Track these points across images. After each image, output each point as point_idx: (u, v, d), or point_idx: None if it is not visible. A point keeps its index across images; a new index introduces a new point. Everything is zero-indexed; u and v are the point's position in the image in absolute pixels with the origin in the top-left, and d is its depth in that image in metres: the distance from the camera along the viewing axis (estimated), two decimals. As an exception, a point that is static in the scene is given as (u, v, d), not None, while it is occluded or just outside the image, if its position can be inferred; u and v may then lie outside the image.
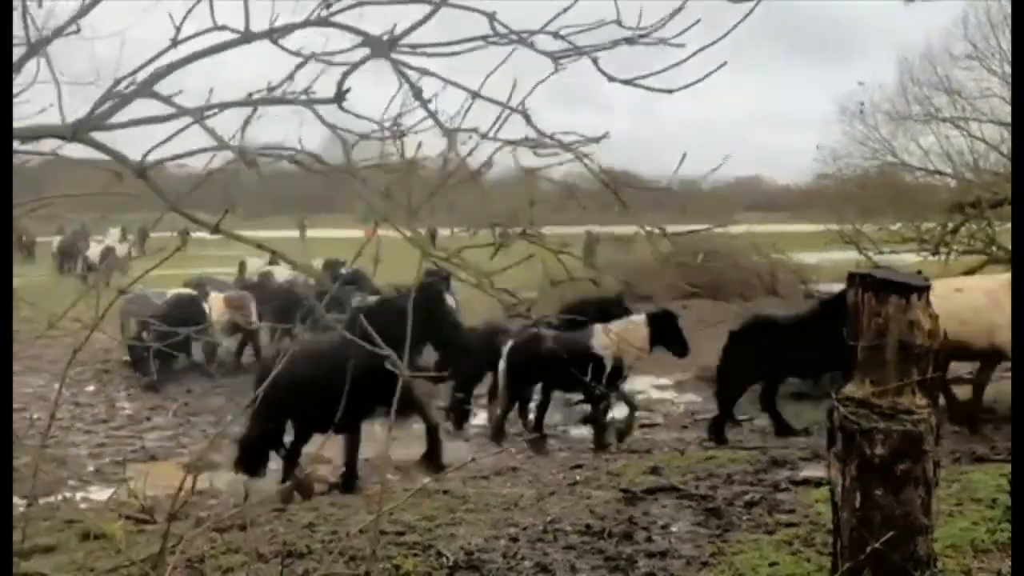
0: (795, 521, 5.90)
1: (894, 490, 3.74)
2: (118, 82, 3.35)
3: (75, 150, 3.57)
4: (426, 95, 3.33)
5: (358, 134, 3.49)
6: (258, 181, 3.85)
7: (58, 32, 3.43)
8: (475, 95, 3.32)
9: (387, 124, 3.39)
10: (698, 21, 3.16)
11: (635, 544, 5.64)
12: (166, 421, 12.63)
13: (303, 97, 3.33)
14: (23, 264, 34.11)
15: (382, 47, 3.25)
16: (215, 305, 15.50)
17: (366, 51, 3.29)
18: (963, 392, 10.61)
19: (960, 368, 10.91)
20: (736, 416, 11.36)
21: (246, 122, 3.37)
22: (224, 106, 3.33)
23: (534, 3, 3.53)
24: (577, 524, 6.01)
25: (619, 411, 11.34)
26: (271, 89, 3.36)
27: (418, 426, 9.01)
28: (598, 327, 10.75)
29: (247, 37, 3.24)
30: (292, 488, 8.24)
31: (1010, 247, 13.79)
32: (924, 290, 3.91)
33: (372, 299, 11.08)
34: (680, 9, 3.17)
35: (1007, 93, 19.39)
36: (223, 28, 3.25)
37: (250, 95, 3.37)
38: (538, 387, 11.38)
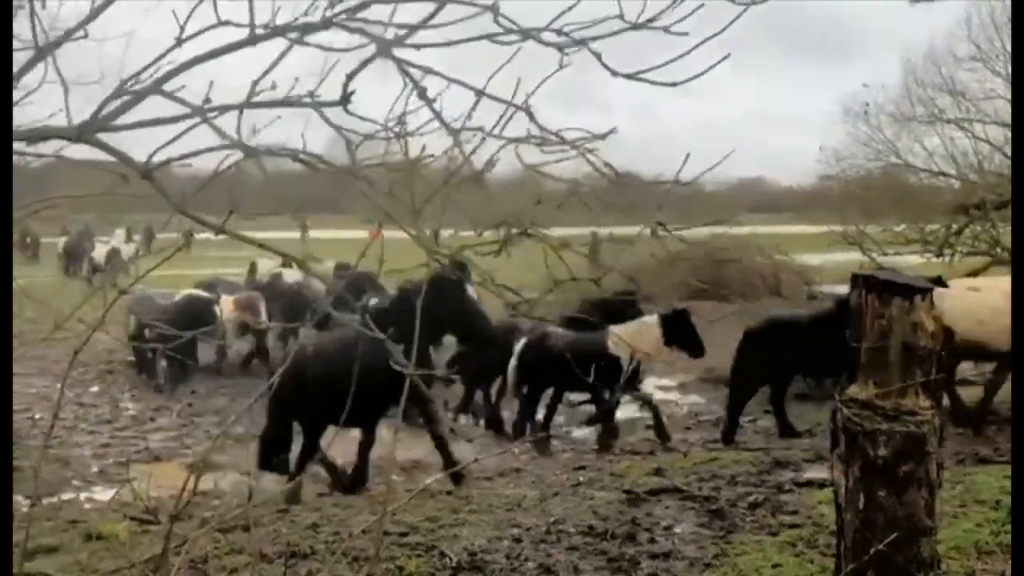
0: (798, 523, 5.90)
1: (897, 492, 3.74)
2: (124, 83, 3.36)
3: (79, 150, 3.58)
4: (430, 94, 3.34)
5: (362, 134, 3.49)
6: (262, 182, 3.86)
7: (67, 36, 3.44)
8: (480, 93, 3.33)
9: (391, 124, 3.39)
10: (701, 6, 3.15)
11: (638, 545, 5.64)
12: (170, 422, 12.64)
13: (308, 99, 3.33)
14: (28, 265, 34.14)
15: (386, 46, 3.26)
16: (225, 307, 15.52)
17: (370, 50, 3.30)
18: (968, 393, 10.59)
19: (966, 370, 10.88)
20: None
21: (253, 128, 3.38)
22: (233, 107, 3.33)
23: (537, 1, 3.54)
24: (580, 525, 6.01)
25: (621, 412, 11.34)
26: (276, 90, 3.36)
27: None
28: (613, 328, 10.69)
29: (253, 38, 3.25)
30: (299, 486, 8.22)
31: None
32: (927, 292, 3.91)
33: (390, 294, 10.91)
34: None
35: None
36: (227, 24, 3.25)
37: (253, 88, 3.36)
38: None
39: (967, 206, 20.51)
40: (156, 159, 3.36)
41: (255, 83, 3.26)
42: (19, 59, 3.48)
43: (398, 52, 3.30)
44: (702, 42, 3.10)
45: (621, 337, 10.43)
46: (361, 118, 3.41)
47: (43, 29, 3.47)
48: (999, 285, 10.15)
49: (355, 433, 8.78)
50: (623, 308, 11.72)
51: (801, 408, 11.78)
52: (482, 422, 12.26)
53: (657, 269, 17.56)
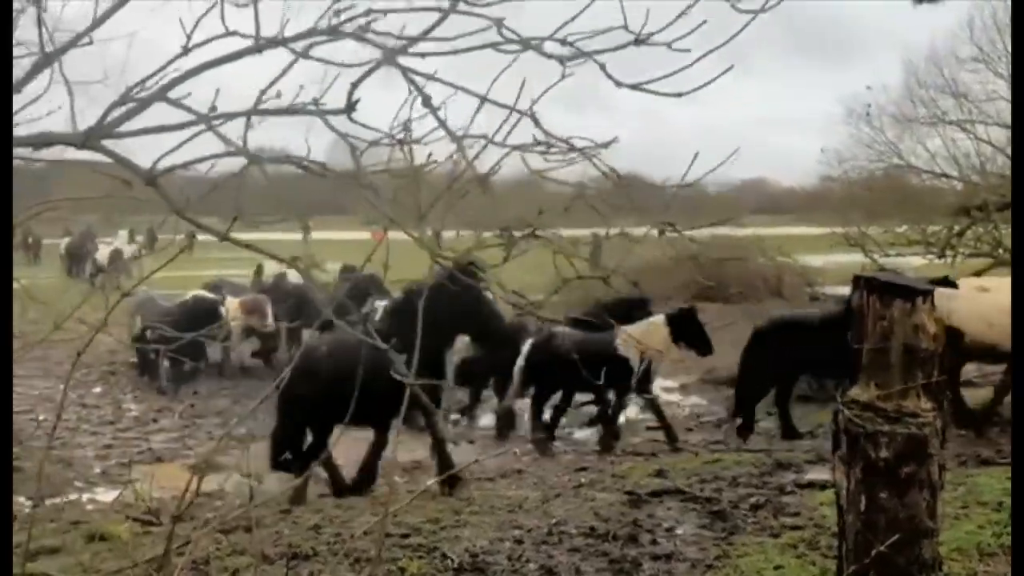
0: (800, 524, 5.91)
1: (899, 493, 3.74)
2: (130, 90, 3.37)
3: (83, 152, 3.59)
4: (435, 102, 3.35)
5: (367, 141, 3.50)
6: (266, 186, 3.87)
7: (73, 42, 3.45)
8: (483, 99, 3.33)
9: (396, 132, 3.40)
10: (704, 23, 3.17)
11: (640, 547, 5.65)
12: (172, 423, 12.65)
13: (313, 107, 3.34)
14: (29, 266, 34.17)
15: (391, 54, 3.27)
16: (231, 309, 15.52)
17: (376, 57, 3.31)
18: (972, 395, 10.57)
19: (970, 372, 10.85)
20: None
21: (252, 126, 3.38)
22: (238, 115, 3.34)
23: (541, 10, 3.55)
24: (582, 526, 6.03)
25: (623, 413, 11.33)
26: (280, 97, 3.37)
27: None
28: (621, 328, 10.65)
29: (259, 46, 3.26)
30: (305, 485, 8.20)
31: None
32: (928, 294, 3.92)
33: (396, 296, 10.86)
34: (685, 12, 3.18)
35: (1014, 96, 19.31)
36: (233, 34, 3.27)
37: (260, 97, 3.37)
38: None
39: (969, 207, 20.48)
40: (161, 165, 3.37)
41: (262, 92, 3.27)
42: (25, 64, 3.50)
43: (403, 60, 3.31)
44: (705, 54, 3.11)
45: (631, 335, 10.37)
46: (365, 126, 3.42)
47: (48, 33, 3.49)
48: (1009, 285, 10.06)
49: (357, 435, 8.78)
50: (633, 309, 11.65)
51: (803, 410, 11.76)
52: (482, 423, 12.21)
53: (660, 270, 17.58)
